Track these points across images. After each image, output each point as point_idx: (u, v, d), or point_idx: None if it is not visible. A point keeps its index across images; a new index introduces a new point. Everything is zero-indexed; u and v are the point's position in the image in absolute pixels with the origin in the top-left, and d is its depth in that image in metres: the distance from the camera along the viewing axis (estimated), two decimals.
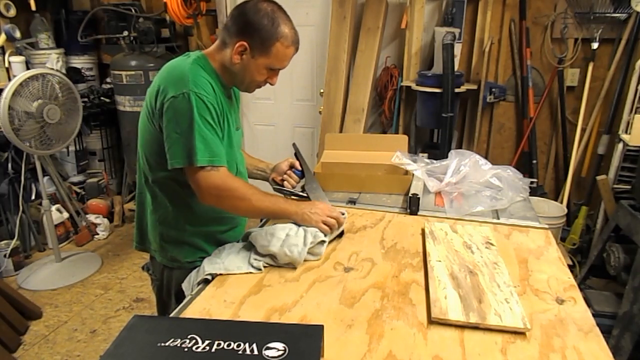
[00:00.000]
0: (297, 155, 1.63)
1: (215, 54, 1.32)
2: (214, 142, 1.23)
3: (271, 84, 1.37)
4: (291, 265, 1.26)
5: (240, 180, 1.30)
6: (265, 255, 1.27)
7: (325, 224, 1.32)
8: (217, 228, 1.40)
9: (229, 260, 1.29)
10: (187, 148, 1.19)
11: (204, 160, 1.20)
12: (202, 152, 1.19)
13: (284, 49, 1.28)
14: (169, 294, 1.44)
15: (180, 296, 1.33)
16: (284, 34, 1.26)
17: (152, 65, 3.47)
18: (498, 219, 1.61)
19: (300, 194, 1.54)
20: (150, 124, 1.27)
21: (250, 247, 1.36)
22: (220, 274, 1.24)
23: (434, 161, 1.87)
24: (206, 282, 1.23)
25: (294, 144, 1.66)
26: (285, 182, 1.59)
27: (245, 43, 1.25)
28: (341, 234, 1.47)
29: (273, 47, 1.26)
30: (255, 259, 1.27)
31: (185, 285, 1.31)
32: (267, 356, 0.81)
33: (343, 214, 1.41)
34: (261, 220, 1.62)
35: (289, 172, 1.59)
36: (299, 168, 1.59)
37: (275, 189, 1.54)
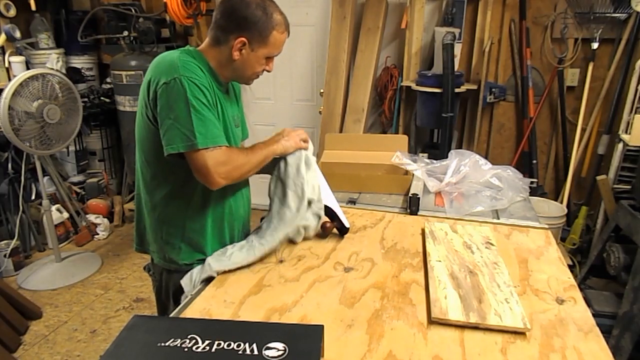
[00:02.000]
0: None
1: (208, 51, 1.32)
2: (212, 123, 1.22)
3: (268, 71, 1.39)
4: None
5: (234, 148, 1.31)
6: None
7: (302, 141, 1.43)
8: (216, 223, 1.40)
9: (234, 256, 1.29)
10: (186, 131, 1.18)
11: (206, 141, 1.19)
12: (202, 134, 1.18)
13: (280, 35, 1.30)
14: (168, 296, 1.44)
15: (178, 298, 1.33)
16: (278, 21, 1.28)
17: None
18: (498, 219, 1.61)
19: None
20: (146, 118, 1.27)
21: (251, 244, 1.36)
22: (223, 272, 1.25)
23: (434, 161, 1.87)
24: (208, 280, 1.24)
25: None
26: None
27: (244, 39, 1.26)
28: (343, 233, 1.46)
29: (270, 36, 1.28)
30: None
31: (185, 282, 1.31)
32: (267, 356, 0.81)
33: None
34: (262, 220, 1.62)
35: None
36: None
37: None
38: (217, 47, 1.30)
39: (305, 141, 1.44)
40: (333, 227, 1.46)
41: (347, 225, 1.45)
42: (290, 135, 1.41)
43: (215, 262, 1.29)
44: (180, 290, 1.32)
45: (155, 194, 1.35)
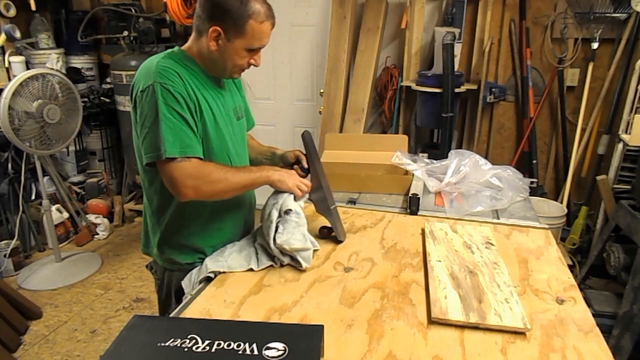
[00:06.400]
0: (306, 149, 1.46)
1: (192, 45, 1.29)
2: (184, 132, 1.18)
3: (255, 65, 1.31)
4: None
5: (212, 164, 1.26)
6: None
7: (298, 188, 1.33)
8: (218, 225, 1.40)
9: (231, 259, 1.29)
10: (155, 140, 1.15)
11: (173, 151, 1.15)
12: (170, 143, 1.15)
13: (259, 26, 1.21)
14: (169, 295, 1.44)
15: (180, 297, 1.33)
16: (256, 10, 1.19)
17: None
18: (498, 219, 1.61)
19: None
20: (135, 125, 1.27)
21: (252, 244, 1.36)
22: (223, 272, 1.25)
23: (434, 161, 1.87)
24: (207, 280, 1.24)
25: (304, 133, 1.43)
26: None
27: (218, 28, 1.20)
28: (339, 241, 1.45)
29: (247, 25, 1.19)
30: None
31: (185, 283, 1.31)
32: (267, 356, 0.81)
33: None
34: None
35: (295, 167, 1.49)
36: (306, 165, 1.47)
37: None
38: (199, 39, 1.26)
39: (302, 190, 1.34)
40: (330, 234, 1.45)
41: (340, 238, 1.42)
42: (287, 176, 1.33)
43: (211, 262, 1.29)
44: (182, 289, 1.32)
45: (153, 198, 1.35)
